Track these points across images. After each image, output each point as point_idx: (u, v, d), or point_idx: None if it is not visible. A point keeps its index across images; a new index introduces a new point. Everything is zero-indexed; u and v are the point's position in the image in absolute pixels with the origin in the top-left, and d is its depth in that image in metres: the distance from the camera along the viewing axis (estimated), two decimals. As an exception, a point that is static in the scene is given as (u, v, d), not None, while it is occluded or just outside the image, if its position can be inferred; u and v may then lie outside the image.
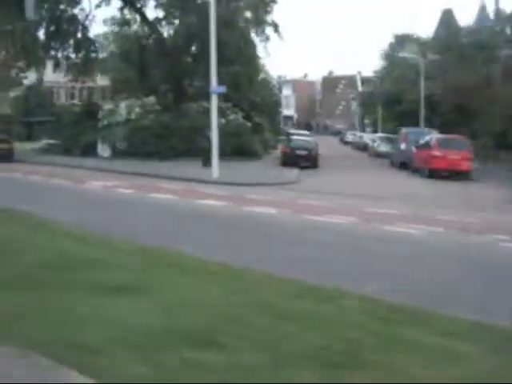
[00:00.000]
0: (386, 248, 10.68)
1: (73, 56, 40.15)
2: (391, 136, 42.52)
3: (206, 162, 29.27)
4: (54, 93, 66.67)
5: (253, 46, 38.33)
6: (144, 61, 36.40)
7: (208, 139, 30.28)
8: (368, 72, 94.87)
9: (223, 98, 36.21)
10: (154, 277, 7.27)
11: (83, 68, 38.74)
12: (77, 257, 8.08)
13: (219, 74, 36.08)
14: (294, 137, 35.85)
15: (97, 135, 34.83)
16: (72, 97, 74.55)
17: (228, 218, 13.94)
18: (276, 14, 58.00)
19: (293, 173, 27.76)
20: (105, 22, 46.36)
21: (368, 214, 14.80)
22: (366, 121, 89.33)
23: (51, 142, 39.11)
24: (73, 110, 42.88)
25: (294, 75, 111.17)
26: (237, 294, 6.57)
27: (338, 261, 9.41)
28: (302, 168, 29.77)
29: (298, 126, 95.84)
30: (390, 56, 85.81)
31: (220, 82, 36.92)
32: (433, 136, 28.03)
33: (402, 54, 42.65)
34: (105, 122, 35.31)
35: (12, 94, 54.30)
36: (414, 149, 28.59)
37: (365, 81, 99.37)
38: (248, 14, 35.29)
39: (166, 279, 7.22)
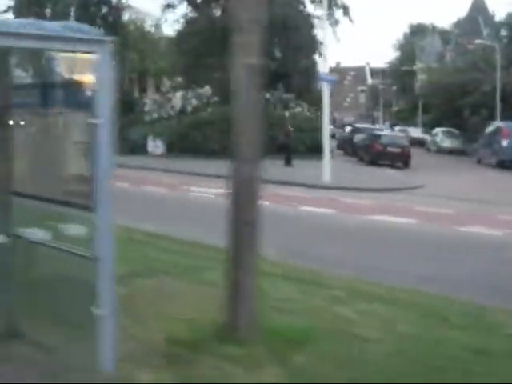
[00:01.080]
0: None
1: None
2: (453, 130, 39.29)
3: (289, 160, 25.89)
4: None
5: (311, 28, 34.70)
6: (195, 47, 32.51)
7: (289, 135, 26.96)
8: (378, 63, 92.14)
9: (286, 88, 32.66)
10: None
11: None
12: None
13: (286, 60, 32.59)
14: (382, 132, 32.05)
15: (146, 130, 30.68)
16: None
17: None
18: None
19: (394, 174, 24.35)
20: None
21: None
22: (376, 113, 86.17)
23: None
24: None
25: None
26: None
27: None
28: (393, 167, 26.32)
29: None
30: (404, 46, 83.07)
31: (287, 70, 33.28)
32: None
33: (478, 41, 39.16)
34: (154, 116, 31.41)
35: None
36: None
37: (374, 72, 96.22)
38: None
39: None
